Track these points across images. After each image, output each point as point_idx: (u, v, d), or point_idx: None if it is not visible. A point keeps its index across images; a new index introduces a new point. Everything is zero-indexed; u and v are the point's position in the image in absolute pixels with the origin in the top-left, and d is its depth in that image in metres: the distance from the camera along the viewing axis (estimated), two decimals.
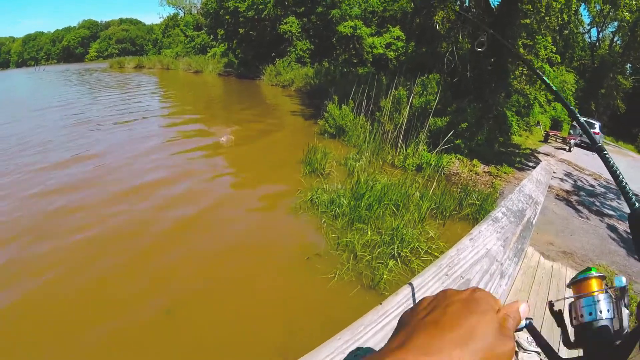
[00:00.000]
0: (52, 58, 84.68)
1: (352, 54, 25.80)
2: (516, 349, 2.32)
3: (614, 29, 26.62)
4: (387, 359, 0.33)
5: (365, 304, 3.67)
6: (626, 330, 0.68)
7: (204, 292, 4.00)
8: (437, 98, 9.86)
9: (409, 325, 0.39)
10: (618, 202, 9.13)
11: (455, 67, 13.32)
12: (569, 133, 17.05)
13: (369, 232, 4.97)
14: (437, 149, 8.27)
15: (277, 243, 5.15)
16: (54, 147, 9.46)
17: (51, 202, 6.06)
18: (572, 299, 0.80)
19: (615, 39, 27.66)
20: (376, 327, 1.42)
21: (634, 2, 10.42)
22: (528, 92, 14.70)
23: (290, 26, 25.90)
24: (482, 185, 8.39)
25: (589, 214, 8.05)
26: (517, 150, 13.36)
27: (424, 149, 9.19)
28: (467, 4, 13.50)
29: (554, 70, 16.83)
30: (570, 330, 0.75)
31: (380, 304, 1.54)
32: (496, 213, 2.67)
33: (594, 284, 0.76)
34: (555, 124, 20.68)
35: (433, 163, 8.24)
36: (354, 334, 1.37)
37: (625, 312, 0.69)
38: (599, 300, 0.71)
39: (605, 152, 0.82)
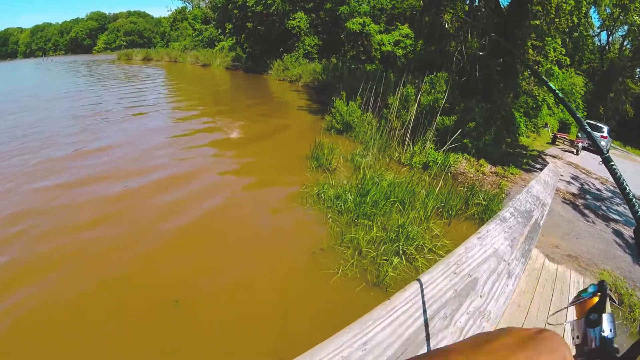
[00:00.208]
0: (60, 49, 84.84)
1: (360, 51, 25.67)
2: None
3: (624, 33, 26.31)
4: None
5: (369, 301, 3.70)
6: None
7: (207, 285, 4.03)
8: (445, 97, 9.81)
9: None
10: (624, 207, 9.04)
11: (463, 66, 13.25)
12: (577, 136, 16.90)
13: (374, 229, 4.97)
14: (444, 148, 8.25)
15: (283, 236, 5.18)
16: (61, 140, 9.46)
17: (55, 197, 6.06)
18: (575, 318, 0.79)
19: (625, 43, 27.31)
20: (384, 321, 1.43)
21: None
22: (536, 94, 14.60)
23: (299, 22, 25.82)
24: (489, 186, 8.36)
25: (595, 217, 8.00)
26: (525, 152, 13.29)
27: (431, 147, 9.16)
28: (477, 3, 13.41)
29: (562, 73, 16.69)
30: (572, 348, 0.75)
31: (389, 299, 1.55)
32: (504, 213, 2.67)
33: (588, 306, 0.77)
34: (564, 126, 20.51)
35: (440, 162, 8.22)
36: (363, 328, 1.38)
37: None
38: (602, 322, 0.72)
39: (613, 163, 0.81)
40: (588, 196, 9.45)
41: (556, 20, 10.84)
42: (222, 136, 10.10)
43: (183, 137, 10.07)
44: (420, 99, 9.93)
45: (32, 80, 28.40)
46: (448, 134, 8.44)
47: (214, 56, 36.82)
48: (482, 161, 10.00)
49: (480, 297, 1.75)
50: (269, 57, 27.47)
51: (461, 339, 1.47)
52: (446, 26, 14.43)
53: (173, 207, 5.83)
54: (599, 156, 0.88)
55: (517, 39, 11.08)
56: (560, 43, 13.87)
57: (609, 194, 10.10)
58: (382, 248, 4.55)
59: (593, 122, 17.00)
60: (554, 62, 13.90)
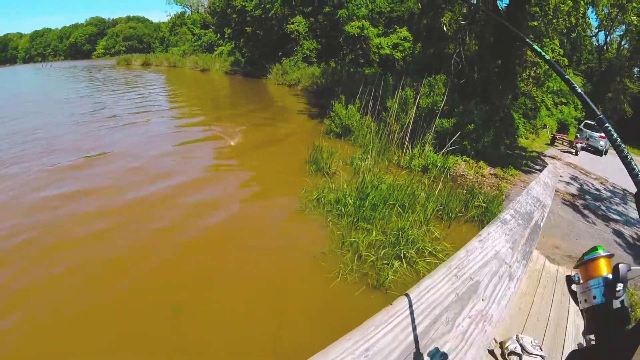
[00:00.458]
0: (59, 54, 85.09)
1: (358, 54, 25.74)
2: (520, 352, 2.33)
3: (622, 33, 26.34)
4: None
5: (369, 304, 3.70)
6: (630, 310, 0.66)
7: (207, 288, 4.04)
8: (444, 99, 9.83)
9: None
10: (624, 207, 9.07)
11: (462, 68, 13.27)
12: (576, 137, 16.96)
13: (373, 232, 4.97)
14: (443, 150, 8.26)
15: (284, 240, 5.17)
16: (62, 147, 9.39)
17: (57, 207, 6.00)
18: (581, 281, 0.77)
19: (622, 43, 27.35)
20: (387, 327, 1.42)
21: None
22: (535, 95, 14.60)
23: (298, 26, 25.90)
24: (488, 188, 8.36)
25: (595, 218, 8.00)
26: (524, 153, 13.30)
27: (430, 150, 9.17)
28: (474, 1, 13.43)
29: None
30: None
31: (391, 304, 1.55)
32: (505, 215, 2.67)
33: (602, 265, 0.73)
34: (562, 127, 20.54)
35: (439, 164, 8.22)
36: (364, 334, 1.37)
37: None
38: (609, 282, 0.68)
39: (607, 125, 0.77)
40: (587, 196, 9.46)
41: (554, 21, 10.86)
42: (223, 143, 10.08)
43: (185, 144, 10.00)
44: (419, 101, 9.95)
45: (32, 86, 28.45)
46: (447, 137, 8.46)
47: (213, 61, 36.95)
48: (481, 163, 10.01)
49: (482, 300, 1.75)
50: (268, 62, 27.54)
51: (463, 343, 1.48)
52: (444, 29, 14.45)
53: (173, 211, 5.84)
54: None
55: (515, 40, 11.10)
56: (558, 44, 13.87)
57: (609, 194, 10.11)
58: (382, 252, 4.55)
59: (592, 122, 17.02)
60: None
